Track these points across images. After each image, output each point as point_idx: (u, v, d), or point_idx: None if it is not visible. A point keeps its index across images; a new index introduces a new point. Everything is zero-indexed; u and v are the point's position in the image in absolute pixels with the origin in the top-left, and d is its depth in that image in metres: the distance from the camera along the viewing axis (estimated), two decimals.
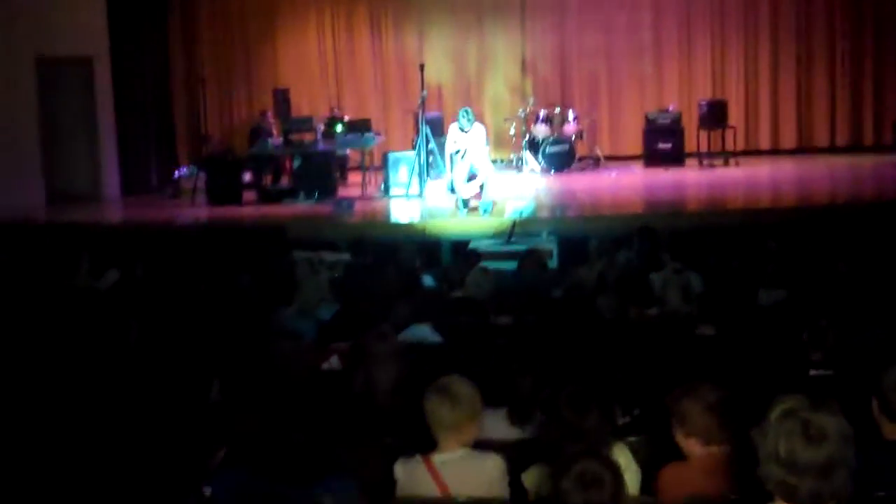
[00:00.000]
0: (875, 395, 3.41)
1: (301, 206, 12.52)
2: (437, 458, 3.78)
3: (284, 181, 14.10)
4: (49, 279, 8.10)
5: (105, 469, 4.08)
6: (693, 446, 3.55)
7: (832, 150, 16.02)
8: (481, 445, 3.92)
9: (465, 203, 11.11)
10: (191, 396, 4.68)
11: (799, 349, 4.94)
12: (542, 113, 15.08)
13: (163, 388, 4.92)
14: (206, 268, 8.31)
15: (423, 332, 5.73)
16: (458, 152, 11.57)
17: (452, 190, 11.69)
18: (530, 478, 3.69)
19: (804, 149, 16.17)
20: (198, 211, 12.81)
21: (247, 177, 13.73)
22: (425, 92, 12.86)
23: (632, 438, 3.98)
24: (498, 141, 15.60)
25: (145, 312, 6.68)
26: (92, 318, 6.74)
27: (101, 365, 5.60)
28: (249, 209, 12.67)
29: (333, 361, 5.47)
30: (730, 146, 15.19)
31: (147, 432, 4.21)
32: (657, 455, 3.78)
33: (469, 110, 11.88)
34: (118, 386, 5.09)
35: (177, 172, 14.89)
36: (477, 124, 11.75)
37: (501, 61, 16.77)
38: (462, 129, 11.57)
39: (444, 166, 13.33)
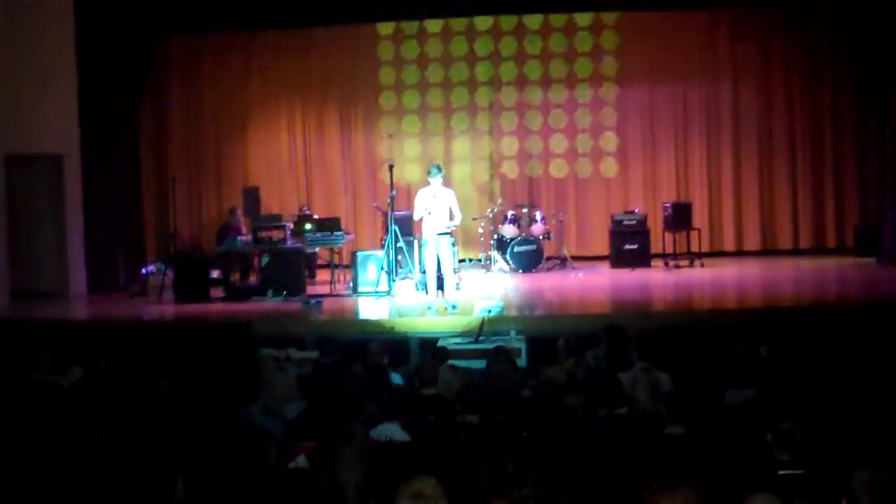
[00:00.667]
0: (844, 496, 3.40)
1: (269, 304, 12.48)
2: None
3: (253, 279, 14.08)
4: (8, 375, 7.97)
5: None
6: None
7: (795, 252, 16.27)
8: None
9: (455, 306, 11.03)
10: (153, 497, 4.59)
11: (765, 448, 4.94)
12: (509, 213, 15.27)
13: (126, 488, 4.82)
14: (170, 365, 8.22)
15: (392, 430, 5.67)
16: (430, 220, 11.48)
17: (424, 287, 11.73)
18: None
19: (768, 251, 16.42)
20: (164, 308, 12.72)
21: (215, 274, 13.67)
22: (395, 191, 12.98)
23: None
24: (466, 240, 15.74)
25: (108, 410, 6.58)
26: (54, 415, 6.63)
27: (63, 463, 5.49)
28: (217, 306, 12.60)
29: (300, 460, 5.39)
30: (695, 247, 15.40)
31: None
32: None
33: (439, 164, 11.97)
34: (81, 485, 4.99)
35: (144, 270, 14.83)
36: (447, 189, 11.72)
37: (470, 162, 17.02)
38: (430, 178, 11.51)
39: (412, 264, 13.39)
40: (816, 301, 11.90)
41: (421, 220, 11.58)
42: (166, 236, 15.64)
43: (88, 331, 11.24)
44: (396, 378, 7.43)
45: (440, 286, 11.34)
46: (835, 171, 16.47)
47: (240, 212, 15.26)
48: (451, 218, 11.59)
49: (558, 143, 17.02)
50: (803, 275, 14.30)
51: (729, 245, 16.65)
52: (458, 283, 11.99)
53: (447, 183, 11.85)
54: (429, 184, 11.45)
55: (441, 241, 11.25)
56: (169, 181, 15.48)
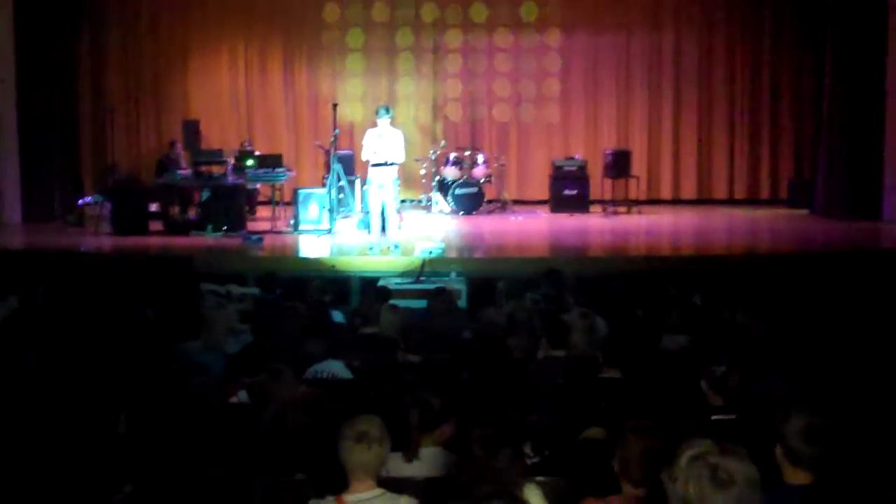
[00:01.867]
0: (778, 441, 3.53)
1: (208, 239, 12.38)
2: (351, 498, 3.77)
3: (192, 213, 13.93)
4: None
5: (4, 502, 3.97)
6: (625, 486, 3.62)
7: (730, 202, 16.56)
8: (390, 484, 3.93)
9: (397, 246, 11.03)
10: (96, 429, 4.60)
11: (699, 394, 5.10)
12: (452, 155, 15.28)
13: (66, 418, 4.82)
14: (109, 297, 8.17)
15: (336, 367, 5.73)
16: (377, 164, 11.38)
17: (366, 227, 11.73)
18: None
19: (704, 200, 16.68)
20: (102, 239, 12.56)
21: (153, 207, 13.52)
22: (338, 130, 12.89)
23: (542, 478, 4.04)
24: (408, 181, 15.71)
25: (46, 340, 6.53)
26: None
27: None
28: (155, 240, 12.48)
29: (242, 396, 5.43)
30: (633, 195, 15.57)
31: (51, 465, 4.11)
32: (568, 495, 3.85)
33: (388, 106, 11.85)
34: (18, 416, 4.97)
35: (81, 201, 14.59)
36: (395, 130, 11.62)
37: (413, 103, 16.94)
38: (378, 119, 11.35)
39: (354, 203, 13.37)
40: (749, 251, 12.16)
41: (367, 160, 11.51)
42: (104, 167, 15.38)
43: (24, 259, 11.10)
44: (338, 316, 7.48)
45: (383, 227, 11.34)
46: (771, 124, 16.73)
47: (179, 145, 15.02)
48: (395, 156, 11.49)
49: (502, 88, 17.02)
50: (737, 224, 14.57)
51: (666, 193, 16.87)
52: (399, 224, 12.00)
53: (393, 124, 11.74)
54: (376, 124, 11.36)
55: (385, 181, 11.21)
56: (106, 112, 15.17)
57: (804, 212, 14.97)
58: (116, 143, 14.67)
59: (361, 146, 11.67)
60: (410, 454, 4.26)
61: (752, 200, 16.58)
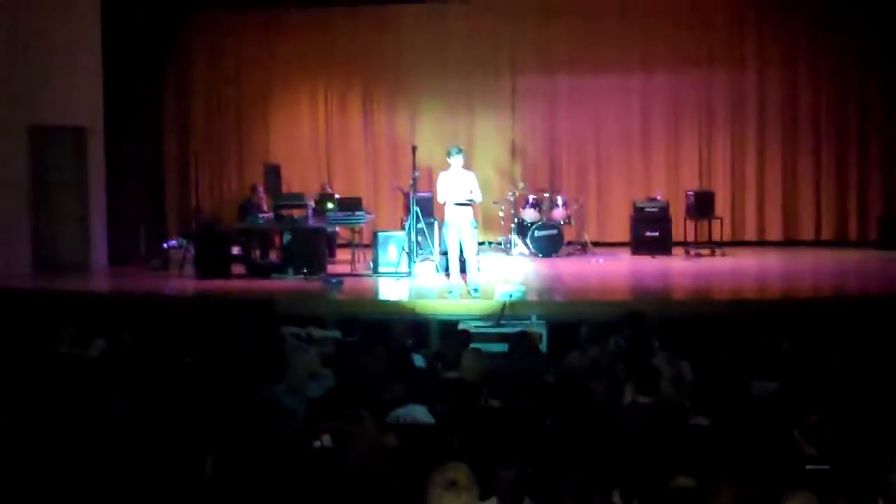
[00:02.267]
0: (880, 495, 3.38)
1: (289, 282, 12.49)
2: None
3: (273, 256, 14.09)
4: (32, 346, 8.01)
5: None
6: None
7: (817, 243, 16.20)
8: None
9: (477, 289, 11.00)
10: (184, 471, 4.61)
11: (793, 443, 4.93)
12: (531, 197, 15.24)
13: (154, 461, 4.85)
14: (193, 340, 8.25)
15: (418, 411, 5.68)
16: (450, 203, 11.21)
17: (445, 270, 11.69)
18: None
19: (789, 241, 16.34)
20: (186, 283, 12.76)
21: (235, 250, 13.70)
22: (417, 172, 12.95)
23: None
24: (487, 223, 15.71)
25: (132, 383, 6.61)
26: (77, 386, 6.67)
27: (86, 435, 5.52)
28: (237, 283, 12.63)
29: (325, 440, 5.41)
30: (716, 236, 15.33)
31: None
32: None
33: (459, 146, 11.73)
34: (105, 457, 5.02)
35: (166, 244, 14.87)
36: (468, 171, 11.42)
37: (492, 145, 16.96)
38: (450, 159, 11.18)
39: (433, 246, 13.38)
40: (838, 293, 11.82)
41: (443, 202, 11.45)
42: (188, 211, 15.68)
43: (110, 303, 11.29)
44: (419, 360, 7.44)
45: (462, 269, 11.29)
46: (859, 162, 16.36)
47: (261, 189, 15.26)
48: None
49: (581, 128, 16.94)
50: (825, 266, 14.20)
51: (751, 235, 16.58)
52: (478, 267, 11.94)
53: (468, 165, 11.70)
54: (449, 165, 11.34)
55: (463, 224, 11.13)
56: (191, 156, 15.50)
57: (894, 253, 14.55)
58: (200, 188, 14.92)
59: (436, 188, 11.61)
60: None
61: (840, 241, 16.19)
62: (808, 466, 4.69)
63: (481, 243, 14.01)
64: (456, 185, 11.08)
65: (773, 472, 4.28)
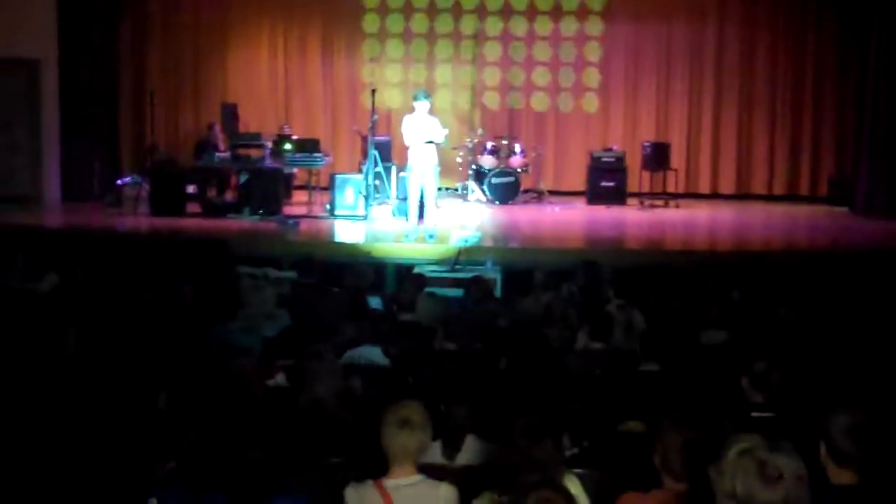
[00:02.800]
0: (823, 440, 3.48)
1: (245, 222, 12.43)
2: (390, 483, 3.78)
3: (229, 196, 13.99)
4: None
5: (47, 478, 4.00)
6: (666, 480, 3.58)
7: (769, 197, 16.40)
8: (429, 470, 3.93)
9: (433, 235, 11.00)
10: (137, 406, 4.63)
11: (739, 390, 5.04)
12: (489, 144, 15.24)
13: (107, 396, 4.86)
14: (148, 277, 8.22)
15: (374, 353, 5.73)
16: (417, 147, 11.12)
17: (403, 214, 11.66)
18: None
19: (742, 195, 16.53)
20: (140, 220, 12.64)
21: (191, 189, 13.57)
22: (376, 116, 12.88)
23: (581, 471, 4.02)
24: (445, 169, 15.64)
25: (85, 318, 6.59)
26: (29, 320, 6.63)
27: (39, 368, 5.51)
28: (193, 221, 12.53)
29: (279, 379, 5.45)
30: (671, 188, 15.45)
31: (91, 440, 4.15)
32: (607, 488, 3.82)
33: (426, 90, 11.62)
34: (58, 392, 5.01)
35: (120, 181, 14.69)
36: (432, 117, 11.27)
37: (451, 91, 16.90)
38: (416, 103, 11.05)
39: (390, 190, 13.35)
40: (789, 247, 12.03)
41: (409, 145, 11.29)
42: (143, 149, 15.47)
43: (63, 238, 11.17)
44: (375, 302, 7.48)
45: (420, 214, 11.27)
46: (813, 119, 16.51)
47: (218, 128, 15.07)
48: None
49: (541, 76, 16.93)
50: (776, 220, 14.41)
51: (704, 187, 16.72)
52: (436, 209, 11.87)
53: (431, 111, 11.59)
54: (414, 109, 11.26)
55: (426, 167, 11.08)
56: (146, 94, 15.27)
57: (844, 209, 14.79)
58: (155, 125, 14.72)
59: (401, 133, 11.49)
60: (453, 449, 4.24)
61: (791, 197, 16.41)
62: (753, 413, 4.81)
63: (438, 189, 13.99)
64: (421, 128, 11.02)
65: (720, 416, 4.39)
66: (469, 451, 4.29)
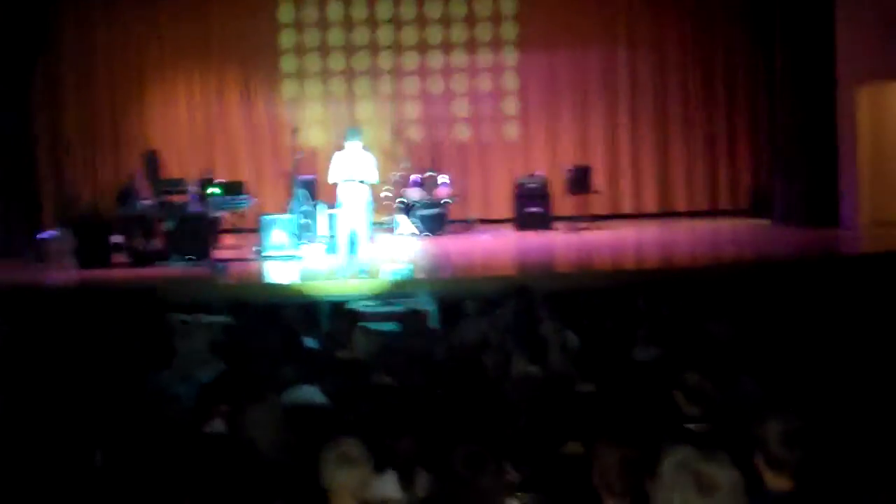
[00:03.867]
0: (757, 447, 3.56)
1: (174, 269, 12.29)
2: None
3: (156, 243, 13.81)
4: None
5: None
6: (607, 499, 3.62)
7: (692, 213, 16.71)
8: None
9: (364, 269, 10.99)
10: (74, 463, 4.53)
11: (673, 403, 5.12)
12: (414, 177, 15.31)
13: (39, 457, 4.75)
14: (76, 330, 8.07)
15: (311, 392, 5.70)
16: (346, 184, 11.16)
17: (333, 251, 11.64)
18: None
19: (665, 213, 16.81)
20: (66, 273, 12.42)
21: (117, 239, 13.39)
22: (301, 153, 12.87)
23: (523, 495, 4.04)
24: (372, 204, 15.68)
25: (12, 381, 6.44)
26: None
27: None
28: (121, 272, 12.35)
29: (217, 424, 5.38)
30: (595, 210, 15.66)
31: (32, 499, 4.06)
32: None
33: (358, 128, 11.66)
34: None
35: (41, 235, 14.42)
36: (366, 153, 11.40)
37: (374, 125, 16.91)
38: (346, 142, 11.15)
39: (317, 228, 13.31)
40: (714, 261, 12.26)
41: (334, 182, 11.32)
42: (64, 200, 15.23)
43: None
44: (310, 342, 7.44)
45: (352, 250, 11.27)
46: (728, 133, 16.90)
47: (140, 175, 14.91)
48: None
49: (460, 108, 17.11)
50: (700, 236, 14.67)
51: (628, 208, 16.99)
52: (368, 244, 11.87)
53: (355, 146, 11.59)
54: (343, 147, 11.26)
55: (357, 204, 11.08)
56: (63, 145, 15.06)
57: (766, 221, 15.13)
58: (75, 175, 14.52)
59: (328, 169, 11.48)
60: (408, 481, 4.24)
61: (713, 212, 16.74)
62: (687, 425, 4.88)
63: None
64: (351, 165, 11.03)
65: (655, 431, 4.45)
66: (418, 484, 4.29)
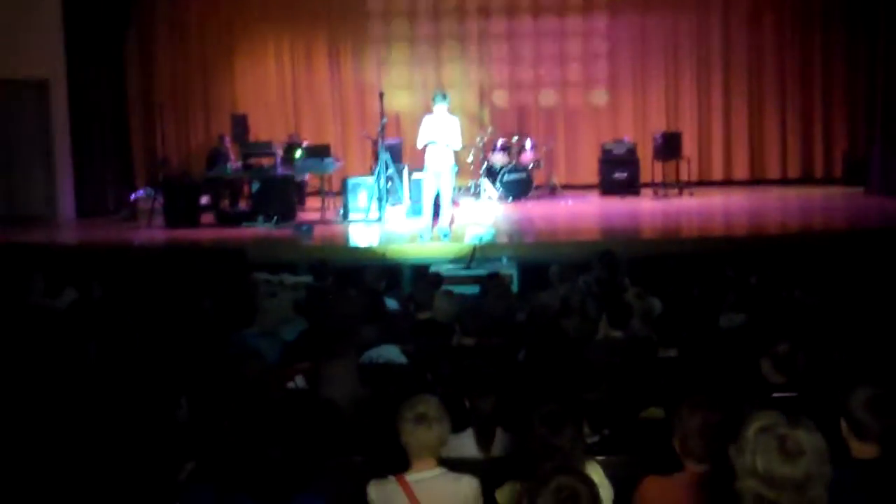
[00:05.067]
0: (843, 416, 3.46)
1: (259, 230, 12.47)
2: (412, 477, 3.79)
3: (242, 205, 14.04)
4: (1, 298, 7.97)
5: (72, 487, 4.02)
6: (687, 463, 3.57)
7: (783, 181, 16.33)
8: (451, 464, 3.93)
9: (447, 234, 10.99)
10: (158, 414, 4.64)
11: (757, 371, 5.02)
12: (499, 141, 15.23)
13: (127, 406, 4.87)
14: (165, 289, 8.24)
15: (392, 352, 5.73)
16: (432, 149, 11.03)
17: (416, 214, 11.63)
18: (504, 495, 3.71)
19: (756, 180, 16.46)
20: (155, 233, 12.69)
21: (204, 200, 13.63)
22: (385, 119, 12.88)
23: (601, 457, 4.01)
24: (458, 168, 15.66)
25: (104, 332, 6.60)
26: (48, 336, 6.66)
27: (60, 383, 5.53)
28: (207, 232, 12.58)
29: (299, 381, 5.46)
30: (684, 177, 15.40)
31: (114, 448, 4.16)
32: (629, 473, 3.81)
33: (444, 92, 11.57)
34: (80, 402, 5.03)
35: (133, 195, 14.76)
36: (452, 116, 11.23)
37: (459, 90, 16.85)
38: (434, 105, 11.01)
39: (402, 192, 13.34)
40: (805, 230, 11.97)
41: (425, 147, 11.24)
42: (155, 162, 15.55)
43: (80, 254, 11.23)
44: (392, 303, 7.48)
45: (436, 214, 11.24)
46: (824, 101, 16.47)
47: (228, 139, 15.15)
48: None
49: (548, 72, 16.92)
50: (792, 204, 14.34)
51: (717, 174, 16.68)
52: (452, 213, 11.79)
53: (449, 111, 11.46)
54: (432, 111, 11.22)
55: (443, 169, 11.04)
56: (156, 107, 15.36)
57: (859, 189, 14.71)
58: (166, 139, 14.79)
59: (417, 134, 11.38)
60: (487, 440, 4.24)
61: (805, 179, 16.34)
62: (774, 394, 4.78)
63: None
64: (439, 130, 10.99)
65: (740, 397, 4.37)
66: (497, 443, 4.29)
